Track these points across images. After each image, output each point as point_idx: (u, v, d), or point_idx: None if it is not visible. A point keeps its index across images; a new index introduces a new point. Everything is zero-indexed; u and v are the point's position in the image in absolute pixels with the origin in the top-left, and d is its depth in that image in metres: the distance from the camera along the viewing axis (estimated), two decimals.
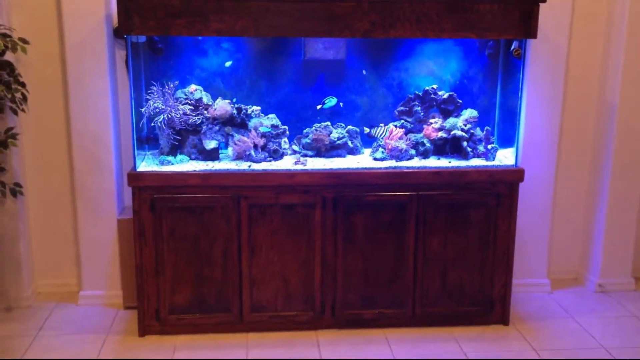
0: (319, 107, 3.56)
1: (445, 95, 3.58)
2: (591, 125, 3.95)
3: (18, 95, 3.32)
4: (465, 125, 3.50)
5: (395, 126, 3.55)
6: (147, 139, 3.57)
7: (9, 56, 3.34)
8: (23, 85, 3.36)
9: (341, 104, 3.65)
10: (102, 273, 3.72)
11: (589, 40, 3.83)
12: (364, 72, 3.62)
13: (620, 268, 3.98)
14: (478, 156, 3.50)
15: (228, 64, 3.52)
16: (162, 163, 3.33)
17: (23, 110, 3.36)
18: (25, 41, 3.29)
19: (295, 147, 3.55)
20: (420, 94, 3.59)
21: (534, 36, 3.22)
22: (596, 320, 3.62)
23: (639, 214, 3.94)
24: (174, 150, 3.43)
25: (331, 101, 3.51)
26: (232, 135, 3.45)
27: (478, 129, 3.56)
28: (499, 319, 3.52)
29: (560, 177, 3.95)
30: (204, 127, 3.43)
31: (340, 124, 3.62)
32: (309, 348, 3.27)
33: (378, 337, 3.38)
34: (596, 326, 3.54)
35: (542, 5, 3.20)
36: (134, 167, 3.26)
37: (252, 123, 3.45)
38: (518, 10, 3.17)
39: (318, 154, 3.53)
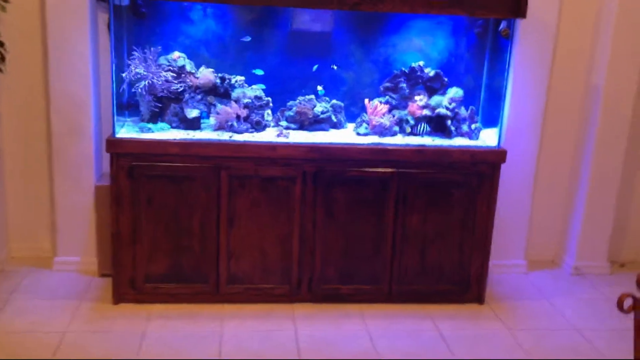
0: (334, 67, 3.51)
1: (432, 73, 3.56)
2: (576, 108, 3.95)
3: None
4: (450, 104, 3.48)
5: (380, 102, 3.52)
6: (127, 105, 3.51)
7: None
8: (2, 44, 3.27)
9: (334, 66, 3.59)
10: (78, 239, 3.68)
11: (578, 22, 3.80)
12: (334, 67, 3.58)
13: (597, 252, 4.02)
14: (462, 135, 3.49)
15: (247, 38, 3.45)
16: (142, 130, 3.27)
17: (1, 70, 3.27)
18: (5, 0, 3.20)
19: (283, 123, 3.49)
20: (406, 70, 3.56)
21: (524, 16, 3.19)
22: (570, 302, 3.65)
23: (617, 198, 3.97)
24: (155, 117, 3.38)
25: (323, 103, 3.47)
26: (214, 105, 3.40)
27: (463, 108, 3.54)
28: (474, 298, 3.54)
29: (542, 159, 3.96)
30: (186, 95, 3.37)
31: (324, 97, 3.58)
32: (285, 321, 3.27)
33: (354, 312, 3.39)
34: (569, 308, 3.58)
35: None
36: (113, 133, 3.20)
37: (235, 93, 3.40)
38: None
39: (301, 127, 3.50)
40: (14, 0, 3.35)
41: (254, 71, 3.53)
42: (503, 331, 3.29)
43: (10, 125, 3.66)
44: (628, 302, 2.08)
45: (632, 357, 2.18)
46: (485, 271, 3.50)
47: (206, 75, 3.39)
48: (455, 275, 3.49)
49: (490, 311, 3.49)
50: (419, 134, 3.44)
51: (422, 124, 3.37)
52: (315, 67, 3.57)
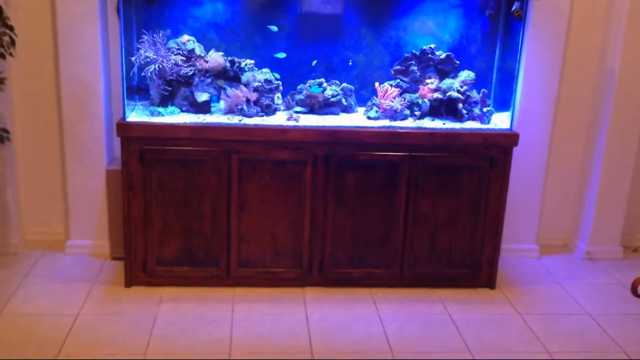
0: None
1: (443, 56, 3.52)
2: (589, 92, 3.90)
3: (6, 39, 3.23)
4: (461, 87, 3.44)
5: (391, 85, 3.49)
6: (137, 89, 3.51)
7: None
8: (11, 28, 3.27)
9: (350, 62, 3.58)
10: (89, 223, 3.70)
11: (592, 3, 3.74)
12: (350, 62, 3.55)
13: (610, 236, 3.99)
14: (473, 119, 3.46)
15: (274, 28, 3.43)
16: (152, 114, 3.27)
17: (11, 54, 3.28)
18: None
19: (298, 109, 3.46)
20: (417, 53, 3.52)
21: None
22: (582, 286, 3.63)
23: (631, 183, 3.93)
24: (165, 101, 3.37)
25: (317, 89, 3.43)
26: (224, 89, 3.39)
27: (474, 91, 3.50)
28: (485, 283, 3.53)
29: (554, 143, 3.92)
30: (196, 79, 3.36)
31: (334, 81, 3.56)
32: (295, 305, 3.27)
33: (364, 296, 3.39)
34: (582, 292, 3.56)
35: None
36: (124, 117, 3.21)
37: (245, 77, 3.39)
38: None
39: (311, 110, 3.48)
40: None
41: (276, 55, 3.50)
42: (514, 315, 3.27)
43: (22, 110, 3.67)
44: None
45: None
46: (496, 255, 3.48)
47: (216, 58, 3.38)
48: (466, 259, 3.48)
49: (502, 295, 3.48)
50: (417, 118, 3.40)
51: (417, 109, 3.34)
52: (314, 62, 3.54)
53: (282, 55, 3.50)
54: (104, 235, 3.70)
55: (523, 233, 3.93)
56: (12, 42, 3.27)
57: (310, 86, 3.43)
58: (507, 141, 3.32)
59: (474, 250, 3.47)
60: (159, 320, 3.06)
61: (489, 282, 3.53)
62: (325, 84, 3.46)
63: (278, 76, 3.46)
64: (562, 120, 3.92)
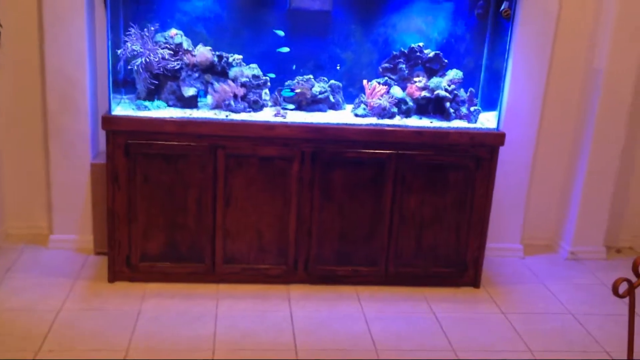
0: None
1: (431, 54, 3.52)
2: (576, 92, 3.92)
3: None
4: (449, 86, 3.45)
5: (379, 83, 3.49)
6: (123, 83, 3.47)
7: None
8: None
9: (338, 66, 3.56)
10: (73, 217, 3.67)
11: (580, 4, 3.76)
12: (338, 66, 3.54)
13: (593, 237, 4.02)
14: (460, 118, 3.46)
15: (280, 33, 3.41)
16: (138, 108, 3.24)
17: None
18: None
19: (290, 107, 3.43)
20: (405, 51, 3.52)
21: None
22: (566, 286, 3.66)
23: (615, 183, 3.96)
24: (151, 95, 3.35)
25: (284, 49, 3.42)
26: (211, 84, 3.37)
27: (462, 90, 3.51)
28: (470, 282, 3.54)
29: (540, 143, 3.94)
30: (183, 73, 3.34)
31: (323, 78, 3.55)
32: (280, 302, 3.26)
33: (349, 294, 3.39)
34: (565, 292, 3.58)
35: None
36: (109, 110, 3.18)
37: (232, 72, 3.37)
38: None
39: (299, 107, 3.47)
40: None
41: (279, 50, 3.48)
42: (498, 315, 3.29)
43: (5, 102, 3.62)
44: (623, 287, 2.07)
45: (626, 341, 2.18)
46: (481, 255, 3.49)
47: (203, 53, 3.36)
48: (451, 258, 3.49)
49: (486, 294, 3.49)
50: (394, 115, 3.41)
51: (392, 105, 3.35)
52: (294, 66, 3.53)
53: (285, 49, 3.47)
54: (88, 230, 3.66)
55: (508, 232, 3.95)
56: None
57: (282, 89, 3.43)
58: (493, 141, 3.33)
59: (459, 249, 3.48)
60: (142, 316, 3.04)
61: (474, 281, 3.54)
62: (298, 88, 3.42)
63: (273, 75, 3.46)
64: (549, 120, 3.94)
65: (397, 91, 3.31)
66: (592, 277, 3.80)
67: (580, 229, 3.98)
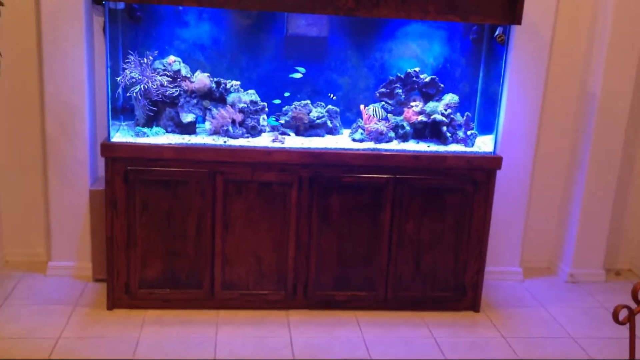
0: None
1: (427, 79, 3.55)
2: (572, 115, 3.95)
3: None
4: (445, 110, 3.48)
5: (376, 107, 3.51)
6: (122, 109, 3.49)
7: None
8: None
9: (332, 96, 3.59)
10: (72, 244, 3.66)
11: (573, 29, 3.81)
12: (332, 96, 3.58)
13: (592, 259, 4.02)
14: (457, 142, 3.49)
15: (298, 75, 3.46)
16: (137, 134, 3.26)
17: None
18: (0, 3, 3.18)
19: (283, 119, 3.45)
20: (402, 76, 3.56)
21: (519, 22, 3.19)
22: (566, 309, 3.65)
23: (613, 206, 3.97)
24: (150, 121, 3.36)
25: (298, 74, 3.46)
26: (210, 110, 3.39)
27: (458, 114, 3.54)
28: (470, 306, 3.53)
29: (537, 166, 3.96)
30: (182, 99, 3.36)
31: (320, 103, 3.58)
32: (279, 328, 3.25)
33: (349, 319, 3.37)
34: (565, 315, 3.57)
35: None
36: (108, 137, 3.19)
37: (230, 98, 3.39)
38: None
39: (297, 132, 3.49)
40: (9, 3, 3.33)
41: (291, 75, 3.51)
42: (498, 339, 3.27)
43: (4, 129, 3.64)
44: (623, 314, 2.07)
45: None
46: (481, 278, 3.49)
47: (202, 79, 3.38)
48: (450, 281, 3.48)
49: (486, 318, 3.48)
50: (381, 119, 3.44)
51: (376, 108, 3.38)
52: (286, 94, 3.56)
53: (298, 75, 3.50)
54: (87, 257, 3.65)
55: (506, 255, 3.95)
56: None
57: (279, 114, 3.46)
58: (490, 164, 3.35)
59: (458, 272, 3.47)
60: (141, 343, 3.02)
61: (473, 305, 3.53)
62: (282, 119, 3.46)
63: (279, 101, 3.50)
64: (545, 143, 3.96)
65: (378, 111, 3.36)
66: (592, 300, 3.79)
67: (579, 252, 3.98)
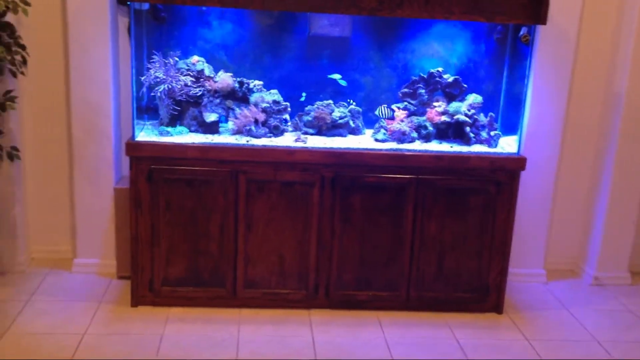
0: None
1: (451, 79, 3.54)
2: (597, 115, 3.91)
3: (18, 57, 3.28)
4: (469, 111, 3.46)
5: (399, 108, 3.51)
6: (146, 109, 3.53)
7: (10, 17, 3.28)
8: (23, 47, 3.31)
9: (352, 102, 3.58)
10: (96, 241, 3.71)
11: (599, 29, 3.76)
12: (350, 102, 3.57)
13: (618, 262, 3.96)
14: (480, 142, 3.46)
15: (337, 76, 3.50)
16: (161, 134, 3.29)
17: (22, 73, 3.32)
18: (26, 3, 3.23)
19: (306, 118, 3.46)
20: (425, 76, 3.54)
21: (544, 22, 3.16)
22: (590, 312, 3.60)
23: (639, 208, 3.91)
24: (174, 121, 3.39)
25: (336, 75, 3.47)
26: (232, 109, 3.41)
27: (482, 114, 3.51)
28: (493, 307, 3.51)
29: (562, 167, 3.92)
30: (205, 99, 3.39)
31: (342, 103, 3.58)
32: (301, 327, 3.26)
33: (371, 319, 3.37)
34: (590, 318, 3.53)
35: None
36: (133, 136, 3.23)
37: (253, 98, 3.41)
38: None
39: (319, 132, 3.49)
40: (36, 4, 3.39)
41: (330, 76, 3.53)
42: (522, 341, 3.25)
43: (31, 128, 3.70)
44: None
45: None
46: (504, 280, 3.46)
47: (225, 79, 3.40)
48: (473, 283, 3.46)
49: (509, 320, 3.45)
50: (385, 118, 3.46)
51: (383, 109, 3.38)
52: (303, 95, 3.57)
53: (338, 76, 3.51)
54: (111, 254, 3.70)
55: (530, 257, 3.91)
56: (24, 61, 3.31)
57: (302, 114, 3.48)
58: (514, 165, 3.32)
59: (481, 274, 3.45)
60: (164, 341, 3.05)
61: (496, 307, 3.50)
62: (333, 106, 3.48)
63: (303, 98, 3.49)
64: (570, 143, 3.92)
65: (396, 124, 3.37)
66: (617, 303, 3.74)
67: (604, 254, 3.93)
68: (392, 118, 3.44)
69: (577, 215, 4.07)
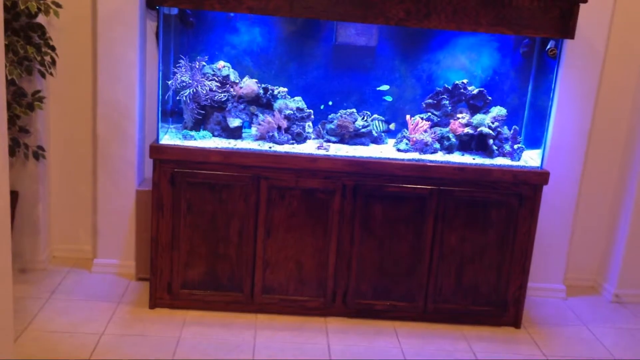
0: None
1: (475, 91, 3.53)
2: (622, 131, 3.87)
3: (47, 58, 3.32)
4: (492, 123, 3.44)
5: (422, 118, 3.51)
6: (171, 112, 3.56)
7: (41, 19, 3.34)
8: (53, 49, 3.36)
9: (389, 97, 3.59)
10: (117, 242, 3.74)
11: (628, 44, 3.73)
12: (367, 113, 3.57)
13: (639, 279, 3.91)
14: (503, 155, 3.45)
15: (385, 87, 3.52)
16: (185, 137, 3.32)
17: (51, 74, 3.37)
18: (58, 5, 3.29)
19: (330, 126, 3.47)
20: (449, 87, 3.54)
21: (572, 37, 3.14)
22: (609, 330, 3.56)
23: None
24: (198, 125, 3.42)
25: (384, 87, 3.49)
26: (256, 115, 3.43)
27: (505, 127, 3.50)
28: (511, 321, 3.48)
29: (585, 182, 3.88)
30: (229, 104, 3.41)
31: (366, 112, 3.58)
32: (317, 334, 3.26)
33: (387, 329, 3.36)
34: (609, 336, 3.49)
35: (581, 5, 3.12)
36: (157, 139, 3.25)
37: (277, 104, 3.43)
38: (558, 9, 3.10)
39: (341, 140, 3.50)
40: (67, 6, 3.44)
41: (379, 88, 3.55)
42: (539, 357, 3.22)
43: (58, 127, 3.74)
44: None
45: None
46: (523, 294, 3.43)
47: (249, 85, 3.43)
48: (492, 296, 3.44)
49: (527, 335, 3.42)
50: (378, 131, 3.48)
51: (375, 122, 3.39)
52: (330, 102, 3.58)
53: (386, 87, 3.52)
54: (131, 256, 3.73)
55: (550, 272, 3.88)
56: (53, 62, 3.36)
57: (325, 122, 3.48)
58: (537, 179, 3.30)
59: (500, 287, 3.43)
60: (181, 343, 3.07)
61: (515, 321, 3.47)
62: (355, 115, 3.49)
63: (330, 103, 3.51)
64: (594, 159, 3.89)
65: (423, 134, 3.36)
66: (637, 322, 3.69)
67: (625, 271, 3.88)
68: (387, 130, 3.45)
69: (599, 232, 4.03)
